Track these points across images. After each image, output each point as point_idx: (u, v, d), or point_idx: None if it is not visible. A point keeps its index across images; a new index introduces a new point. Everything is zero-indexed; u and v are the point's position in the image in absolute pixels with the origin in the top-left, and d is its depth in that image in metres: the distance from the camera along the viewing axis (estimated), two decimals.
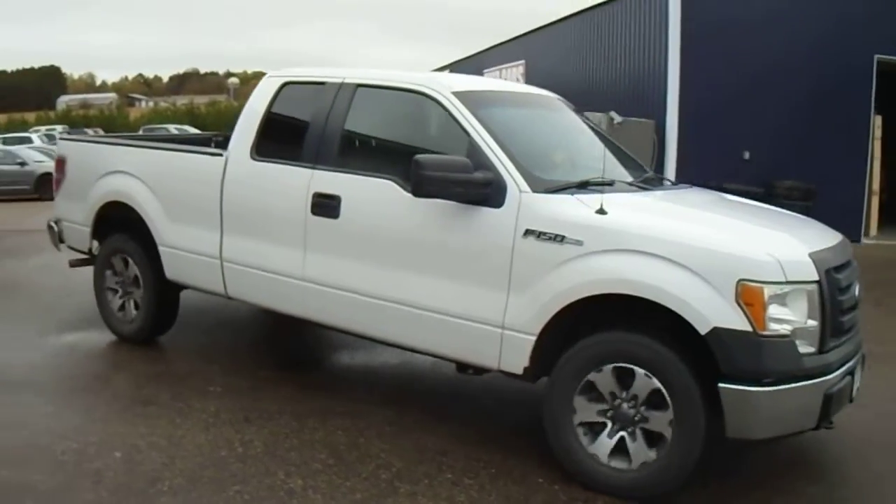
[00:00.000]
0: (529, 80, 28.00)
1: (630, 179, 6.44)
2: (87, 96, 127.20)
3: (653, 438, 5.10)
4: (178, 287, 7.85)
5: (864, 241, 18.20)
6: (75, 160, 8.71)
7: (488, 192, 5.53)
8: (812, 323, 4.94)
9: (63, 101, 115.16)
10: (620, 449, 5.19)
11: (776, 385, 4.78)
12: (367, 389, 7.10)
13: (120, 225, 8.04)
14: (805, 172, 16.44)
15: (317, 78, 6.98)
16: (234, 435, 5.90)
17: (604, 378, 5.19)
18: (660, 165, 16.92)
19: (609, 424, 5.23)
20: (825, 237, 5.77)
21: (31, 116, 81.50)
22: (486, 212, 5.56)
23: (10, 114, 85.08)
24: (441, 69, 42.37)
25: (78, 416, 6.21)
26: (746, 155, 17.19)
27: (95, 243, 8.42)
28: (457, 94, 6.08)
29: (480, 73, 33.38)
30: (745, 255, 4.91)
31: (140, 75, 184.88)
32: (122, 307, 8.17)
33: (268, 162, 6.84)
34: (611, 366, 5.15)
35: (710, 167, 16.01)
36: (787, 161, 16.94)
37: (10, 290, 10.60)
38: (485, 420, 6.47)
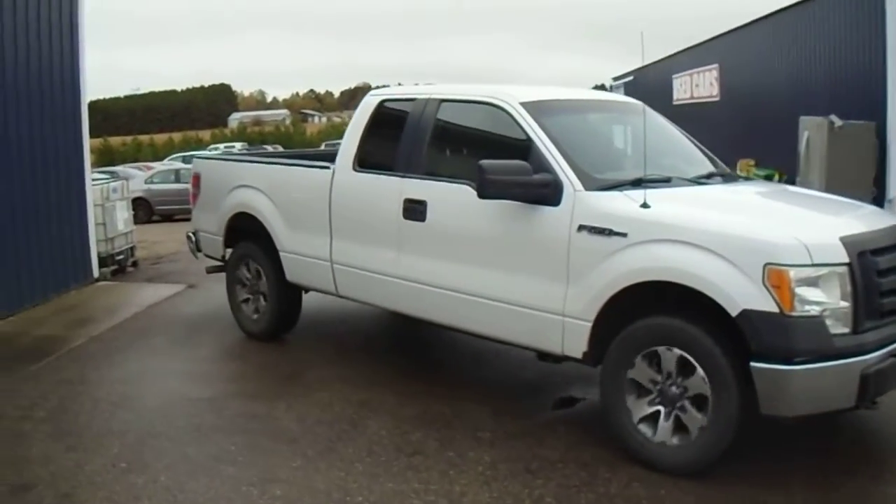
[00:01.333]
0: (724, 83, 27.19)
1: (693, 175, 6.85)
2: (259, 113, 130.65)
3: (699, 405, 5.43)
4: (297, 289, 8.76)
5: None
6: (208, 176, 9.74)
7: (547, 192, 6.08)
8: (844, 304, 5.15)
9: (235, 118, 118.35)
10: (679, 426, 5.52)
11: (807, 364, 5.01)
12: None
13: (247, 233, 8.96)
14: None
15: (408, 95, 7.77)
16: (520, 489, 5.36)
17: (643, 364, 5.60)
18: (881, 170, 15.83)
19: (661, 409, 5.59)
20: (872, 221, 6.02)
21: (205, 134, 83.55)
22: (546, 210, 6.11)
23: (184, 132, 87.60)
24: (622, 77, 41.79)
25: (336, 468, 5.69)
26: None
27: (228, 251, 9.38)
28: (523, 105, 6.65)
29: (669, 79, 32.60)
30: (771, 240, 5.22)
31: (311, 91, 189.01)
32: (249, 305, 9.14)
33: (367, 173, 7.60)
34: (650, 350, 5.56)
35: None
36: None
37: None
38: None
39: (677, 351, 5.39)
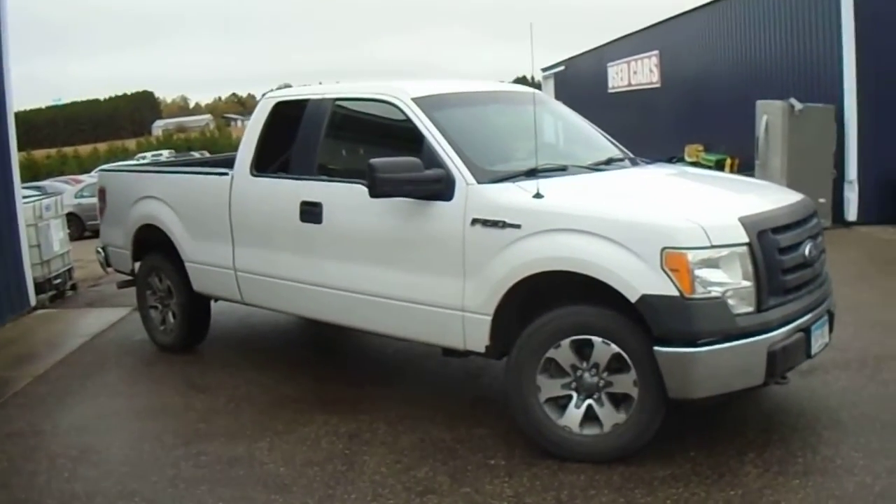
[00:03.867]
0: (664, 70, 27.04)
1: (590, 162, 6.86)
2: (182, 119, 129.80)
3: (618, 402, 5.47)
4: (205, 299, 8.68)
5: None
6: (113, 189, 9.64)
7: (440, 188, 6.06)
8: (746, 283, 5.24)
9: (158, 125, 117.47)
10: (590, 416, 5.50)
11: (711, 345, 5.08)
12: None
13: (154, 245, 8.88)
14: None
15: (303, 96, 7.75)
16: None
17: (563, 352, 5.52)
18: (840, 153, 15.91)
19: (574, 396, 5.55)
20: (772, 200, 6.11)
21: (131, 143, 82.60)
22: (439, 205, 6.09)
23: (110, 142, 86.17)
24: (553, 67, 41.66)
25: None
26: None
27: (137, 264, 9.32)
28: (415, 99, 6.64)
29: (603, 68, 32.41)
30: (667, 224, 5.28)
31: (234, 94, 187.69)
32: (159, 317, 9.05)
33: (264, 177, 7.59)
34: (569, 339, 5.49)
35: (893, 151, 15.45)
36: None
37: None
38: None
39: (596, 338, 5.42)
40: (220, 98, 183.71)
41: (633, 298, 5.17)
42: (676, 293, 5.09)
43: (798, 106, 15.65)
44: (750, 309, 5.22)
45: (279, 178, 7.41)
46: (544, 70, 43.78)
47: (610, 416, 5.43)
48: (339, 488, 5.39)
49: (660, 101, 27.47)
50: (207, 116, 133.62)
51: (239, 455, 6.02)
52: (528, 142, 6.66)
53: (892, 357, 7.44)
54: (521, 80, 40.37)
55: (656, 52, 28.14)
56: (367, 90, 7.26)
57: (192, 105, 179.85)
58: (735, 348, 5.13)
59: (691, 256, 5.10)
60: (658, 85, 28.33)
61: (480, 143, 6.61)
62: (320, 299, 7.04)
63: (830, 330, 6.01)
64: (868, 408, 6.33)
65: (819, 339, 5.74)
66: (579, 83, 37.84)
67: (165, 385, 7.89)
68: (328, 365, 8.37)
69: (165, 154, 57.17)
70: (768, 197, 6.28)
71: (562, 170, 6.34)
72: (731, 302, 5.16)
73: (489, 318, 5.84)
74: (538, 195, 5.66)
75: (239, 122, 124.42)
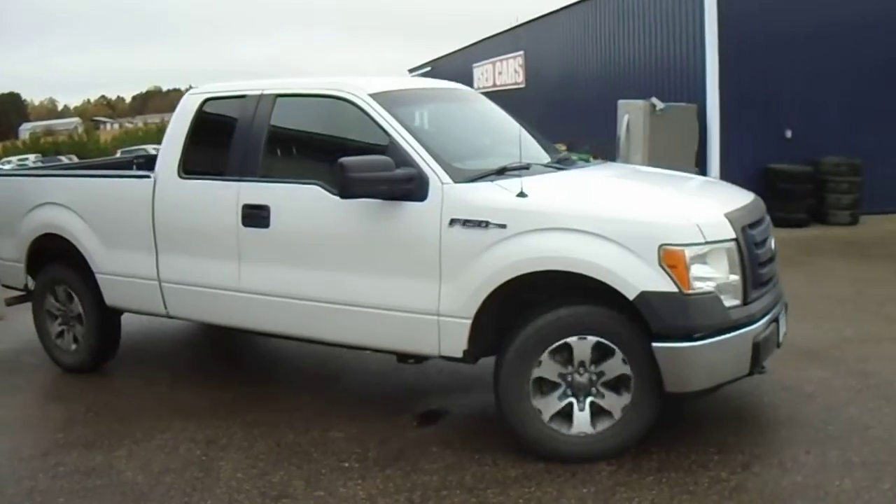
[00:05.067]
0: (529, 70, 27.42)
1: (546, 161, 6.83)
2: (51, 122, 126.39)
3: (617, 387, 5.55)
4: (117, 313, 8.03)
5: None
6: (1, 196, 8.75)
7: (411, 188, 5.83)
8: (734, 277, 5.41)
9: (26, 128, 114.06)
10: (597, 412, 5.57)
11: (706, 339, 5.21)
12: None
13: (55, 256, 8.15)
14: (849, 148, 16.19)
15: (236, 91, 7.17)
16: None
17: (546, 366, 5.53)
18: (702, 150, 16.43)
19: (574, 401, 5.56)
20: (738, 197, 6.28)
21: None
22: (411, 206, 5.86)
23: None
24: (419, 68, 41.79)
25: None
26: (789, 133, 16.64)
27: (30, 279, 8.50)
28: (373, 96, 6.33)
29: (469, 68, 32.64)
30: (664, 222, 5.38)
31: (103, 97, 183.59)
32: (61, 335, 8.27)
33: (195, 179, 7.06)
34: (546, 351, 5.49)
35: (752, 148, 16.10)
36: (828, 137, 16.51)
37: None
38: None
39: (592, 338, 5.42)
40: (89, 101, 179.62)
41: (631, 296, 5.22)
42: (675, 289, 5.19)
43: (659, 105, 16.01)
44: (737, 302, 5.39)
45: (214, 179, 6.89)
46: (410, 71, 43.85)
47: (616, 403, 5.50)
48: (196, 495, 5.36)
49: (524, 101, 27.64)
50: (76, 119, 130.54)
51: (97, 464, 5.93)
52: (484, 139, 6.99)
53: None
54: None
55: (521, 52, 28.42)
56: (315, 85, 6.90)
57: (60, 107, 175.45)
58: (727, 341, 5.27)
59: (688, 253, 5.22)
60: (523, 85, 28.59)
61: (445, 140, 6.42)
62: (265, 309, 6.62)
63: None
64: (723, 404, 6.49)
65: (783, 328, 5.95)
66: None
67: (24, 395, 7.73)
68: (190, 370, 8.25)
69: (32, 158, 55.69)
70: (733, 194, 6.41)
71: (525, 168, 6.03)
72: (721, 296, 5.30)
73: (469, 322, 5.68)
74: (522, 194, 5.55)
75: (108, 126, 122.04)
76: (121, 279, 7.51)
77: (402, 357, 6.33)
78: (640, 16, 19.68)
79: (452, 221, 5.69)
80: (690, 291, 5.20)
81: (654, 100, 16.10)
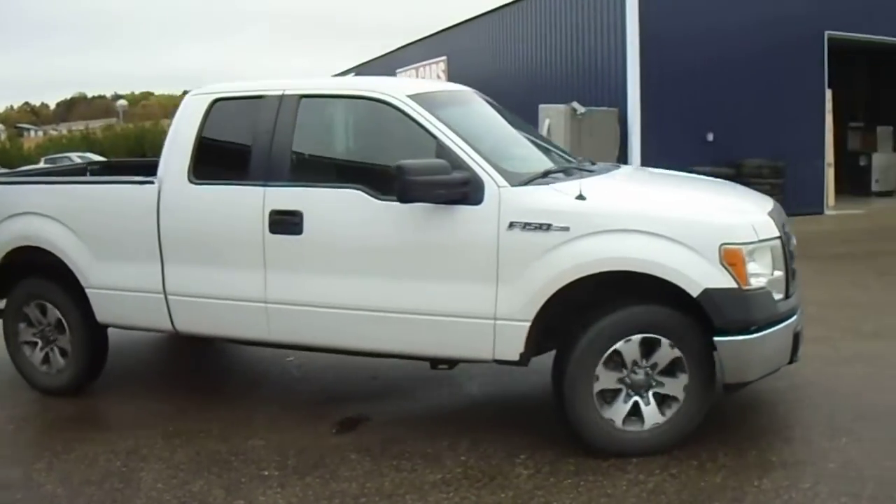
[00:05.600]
0: (452, 76, 27.66)
1: (574, 165, 6.85)
2: None
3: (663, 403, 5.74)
4: (104, 328, 7.40)
5: (827, 212, 19.19)
6: None
7: (467, 191, 5.73)
8: (778, 273, 5.68)
9: None
10: (633, 413, 5.72)
11: (760, 331, 5.47)
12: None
13: (32, 271, 7.48)
14: (767, 150, 16.66)
15: (252, 92, 6.86)
16: None
17: (632, 347, 5.64)
18: (623, 153, 16.80)
19: (624, 391, 5.72)
20: (766, 199, 6.55)
21: None
22: (466, 210, 5.76)
23: None
24: (345, 73, 41.74)
25: None
26: (710, 137, 17.07)
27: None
28: (412, 97, 6.20)
29: (392, 74, 32.82)
30: (724, 222, 5.66)
31: (26, 103, 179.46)
32: (46, 359, 7.50)
33: (210, 184, 6.62)
34: (641, 336, 5.61)
35: (674, 151, 16.11)
36: (749, 140, 17.12)
37: None
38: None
39: (637, 336, 5.60)
40: (11, 107, 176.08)
41: (695, 293, 5.39)
42: (735, 286, 5.40)
43: (580, 109, 16.32)
44: (781, 296, 5.65)
45: (233, 184, 6.50)
46: (335, 76, 43.98)
47: (652, 416, 5.67)
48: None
49: None
50: None
51: (16, 478, 5.81)
52: (514, 142, 6.93)
53: None
54: None
55: (444, 57, 28.58)
56: (346, 86, 6.81)
57: None
58: (777, 332, 5.56)
59: (745, 251, 5.45)
60: None
61: (488, 143, 6.27)
62: (296, 320, 6.32)
63: None
64: None
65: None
66: None
67: None
68: (115, 381, 7.87)
69: None
70: (756, 195, 6.74)
71: (563, 171, 6.31)
72: (771, 291, 5.57)
73: (527, 325, 5.68)
74: (581, 196, 5.61)
75: (32, 133, 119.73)
76: (116, 294, 6.95)
77: (436, 363, 6.30)
78: (562, 21, 19.98)
79: (512, 225, 5.66)
80: (748, 287, 5.45)
81: (575, 104, 16.40)
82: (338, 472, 5.60)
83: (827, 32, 18.88)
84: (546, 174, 6.09)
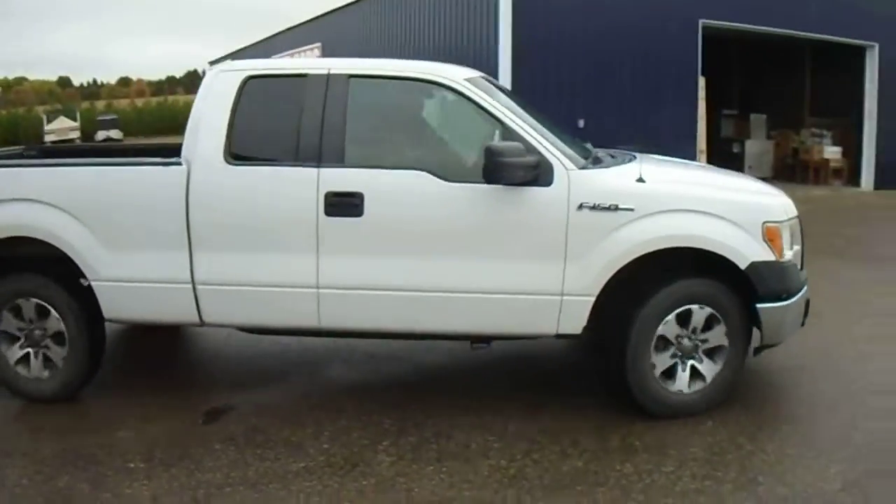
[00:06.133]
0: None
1: (603, 151, 7.27)
2: None
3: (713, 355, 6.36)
4: (103, 326, 6.83)
5: None
6: None
7: (538, 173, 5.96)
8: (797, 247, 6.50)
9: None
10: (694, 375, 6.33)
11: (790, 299, 6.24)
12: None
13: (16, 265, 6.70)
14: (639, 136, 16.72)
15: (291, 70, 6.78)
16: None
17: (670, 326, 6.21)
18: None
19: (679, 362, 6.29)
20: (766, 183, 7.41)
21: None
22: (537, 191, 6.01)
23: None
24: (219, 60, 41.24)
25: None
26: (581, 123, 17.25)
27: None
28: (469, 81, 6.35)
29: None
30: (764, 202, 6.47)
31: None
32: (25, 360, 6.74)
33: (251, 165, 6.38)
34: (674, 313, 6.18)
35: None
36: (621, 126, 17.25)
37: None
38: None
39: (708, 309, 6.19)
40: None
41: (743, 266, 6.04)
42: (774, 258, 6.13)
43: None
44: (800, 267, 6.50)
45: (280, 166, 6.32)
46: (212, 63, 43.38)
47: (710, 369, 6.29)
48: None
49: None
50: None
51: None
52: (549, 127, 6.77)
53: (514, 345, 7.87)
54: (193, 74, 39.53)
55: (318, 44, 28.65)
56: (399, 68, 6.62)
57: None
58: (799, 299, 6.34)
59: (781, 228, 6.22)
60: None
61: (543, 128, 6.45)
62: (353, 305, 6.24)
63: None
64: (504, 391, 6.88)
65: None
66: None
67: None
68: None
69: None
70: (759, 180, 7.62)
71: (610, 156, 7.00)
72: (795, 263, 6.39)
73: (592, 300, 6.06)
74: (641, 180, 6.13)
75: None
76: (132, 286, 6.44)
77: (478, 341, 6.56)
78: (434, 7, 20.02)
79: (581, 206, 5.98)
80: (783, 260, 6.19)
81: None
82: (203, 463, 5.60)
83: (701, 21, 19.36)
84: (596, 159, 6.63)
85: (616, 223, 5.99)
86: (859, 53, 23.09)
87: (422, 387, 7.17)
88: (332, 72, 6.38)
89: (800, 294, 6.35)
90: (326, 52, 28.09)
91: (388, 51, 22.97)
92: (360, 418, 6.31)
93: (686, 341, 6.24)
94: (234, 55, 39.28)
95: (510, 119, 6.22)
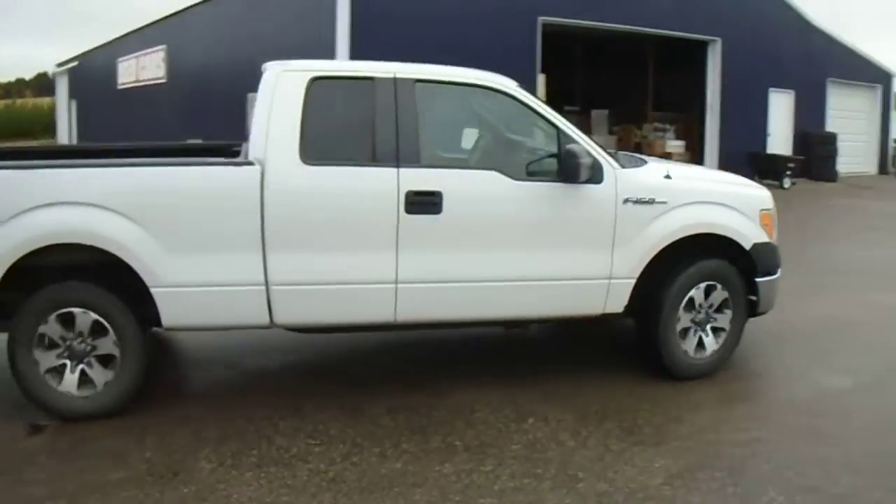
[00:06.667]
0: (172, 65, 27.36)
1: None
2: None
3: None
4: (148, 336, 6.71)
5: None
6: None
7: (593, 172, 6.79)
8: (775, 232, 7.75)
9: None
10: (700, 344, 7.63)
11: (777, 273, 7.71)
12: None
13: (54, 274, 6.26)
14: None
15: (356, 73, 6.87)
16: None
17: (698, 294, 7.50)
18: None
19: (697, 329, 7.55)
20: None
21: None
22: (591, 188, 6.86)
23: None
24: (66, 62, 40.31)
25: None
26: None
27: None
28: (520, 87, 7.00)
29: (113, 63, 32.05)
30: (760, 194, 7.87)
31: None
32: (82, 378, 6.37)
33: (328, 165, 6.50)
34: (703, 284, 7.48)
35: None
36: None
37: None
38: None
39: (711, 282, 7.44)
40: None
41: (748, 247, 7.40)
42: (768, 240, 7.55)
43: None
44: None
45: (358, 166, 6.53)
46: (59, 65, 42.44)
47: (711, 345, 7.56)
48: None
49: (165, 97, 27.83)
50: None
51: None
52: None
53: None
54: (41, 76, 38.76)
55: (163, 47, 28.41)
56: (459, 75, 7.06)
57: None
58: (780, 274, 7.76)
59: (772, 214, 7.66)
60: (164, 80, 28.58)
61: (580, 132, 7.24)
62: (430, 297, 6.67)
63: None
64: (325, 395, 6.95)
65: None
66: (92, 79, 37.17)
67: None
68: None
69: None
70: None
71: (630, 158, 8.17)
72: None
73: (633, 281, 7.08)
74: (668, 177, 7.31)
75: None
76: (200, 290, 6.32)
77: (513, 325, 7.93)
78: (273, 8, 20.04)
79: (626, 200, 6.97)
80: (773, 242, 7.61)
81: None
82: (24, 475, 5.54)
83: (541, 18, 19.71)
84: (624, 161, 7.42)
85: (654, 214, 7.06)
86: (702, 48, 23.66)
87: (247, 390, 7.27)
88: (398, 76, 6.68)
89: (779, 270, 7.70)
90: (171, 56, 28.02)
91: (231, 51, 23.06)
92: (183, 426, 6.32)
93: (700, 314, 7.42)
94: (82, 57, 38.70)
95: (564, 125, 6.96)
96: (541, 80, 20.29)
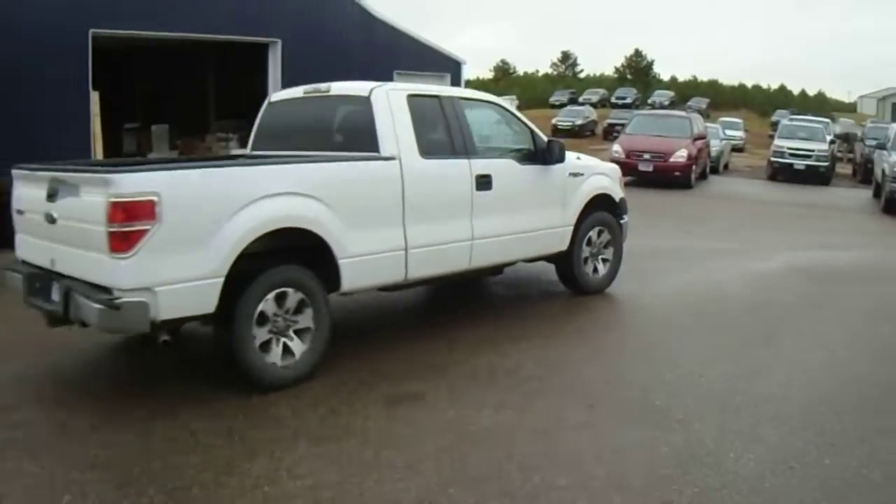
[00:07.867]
0: None
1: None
2: None
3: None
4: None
5: None
6: (183, 196, 6.40)
7: (559, 157, 9.84)
8: None
9: None
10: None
11: (626, 216, 11.33)
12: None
13: (266, 259, 6.92)
14: (30, 156, 14.63)
15: (429, 92, 9.11)
16: None
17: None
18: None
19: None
20: None
21: None
22: (557, 167, 9.85)
23: None
24: None
25: None
26: None
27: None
28: (512, 104, 10.35)
29: None
30: (617, 167, 11.47)
31: None
32: (285, 349, 7.08)
33: (434, 158, 8.43)
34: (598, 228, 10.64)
35: None
36: (15, 145, 14.30)
37: None
38: None
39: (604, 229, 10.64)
40: None
41: (617, 199, 10.77)
42: (623, 195, 11.02)
43: None
44: None
45: (449, 158, 8.58)
46: None
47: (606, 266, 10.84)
48: None
49: None
50: None
51: None
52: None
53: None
54: None
55: None
56: (479, 94, 10.44)
57: None
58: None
59: (621, 177, 11.33)
60: None
61: None
62: (489, 249, 8.93)
63: None
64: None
65: None
66: None
67: None
68: None
69: None
70: None
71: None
72: None
73: (573, 227, 10.07)
74: (579, 158, 10.52)
75: None
76: (366, 258, 7.63)
77: (499, 270, 10.08)
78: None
79: (570, 174, 10.04)
80: (623, 195, 11.09)
81: None
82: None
83: (91, 31, 17.63)
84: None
85: (578, 182, 10.17)
86: (263, 50, 23.27)
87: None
88: (443, 94, 9.09)
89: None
90: None
91: None
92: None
93: (596, 248, 10.65)
94: None
95: (535, 128, 9.86)
96: (94, 97, 18.07)
